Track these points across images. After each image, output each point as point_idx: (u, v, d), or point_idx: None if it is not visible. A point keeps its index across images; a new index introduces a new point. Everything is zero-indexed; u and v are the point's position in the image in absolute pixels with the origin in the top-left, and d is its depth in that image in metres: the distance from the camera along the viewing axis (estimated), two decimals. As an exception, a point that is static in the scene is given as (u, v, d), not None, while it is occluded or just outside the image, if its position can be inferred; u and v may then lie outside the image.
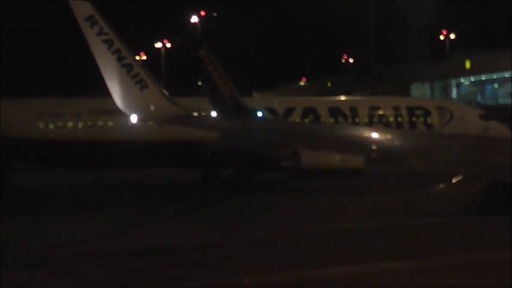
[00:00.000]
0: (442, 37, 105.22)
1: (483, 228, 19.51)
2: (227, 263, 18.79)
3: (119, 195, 32.03)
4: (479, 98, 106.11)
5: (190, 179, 34.80)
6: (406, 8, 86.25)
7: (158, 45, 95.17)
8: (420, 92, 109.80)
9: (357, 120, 35.38)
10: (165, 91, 28.79)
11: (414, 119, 36.06)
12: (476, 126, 35.07)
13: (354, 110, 35.85)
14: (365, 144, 14.55)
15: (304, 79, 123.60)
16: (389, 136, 16.02)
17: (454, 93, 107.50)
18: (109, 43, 27.93)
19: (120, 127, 33.30)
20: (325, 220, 25.16)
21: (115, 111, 32.12)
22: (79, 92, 45.87)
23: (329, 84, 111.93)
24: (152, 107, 27.68)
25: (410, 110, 36.49)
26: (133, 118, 27.59)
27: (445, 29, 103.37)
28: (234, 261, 18.97)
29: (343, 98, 44.36)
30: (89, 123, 33.53)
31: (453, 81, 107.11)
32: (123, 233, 23.89)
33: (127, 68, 27.96)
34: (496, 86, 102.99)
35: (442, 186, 11.71)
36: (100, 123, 33.56)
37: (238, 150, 31.04)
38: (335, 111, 35.66)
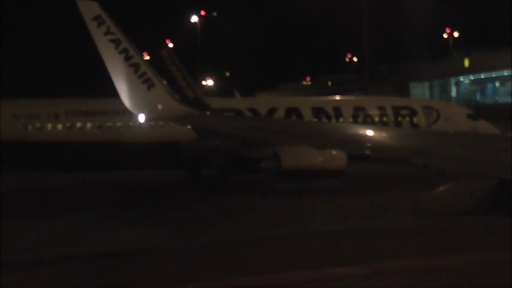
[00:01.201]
0: (445, 35, 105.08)
1: (489, 228, 19.61)
2: (171, 268, 18.46)
3: (98, 197, 31.72)
4: (478, 97, 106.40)
5: (179, 180, 34.62)
6: (409, 6, 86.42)
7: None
8: (419, 90, 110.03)
9: (341, 120, 35.09)
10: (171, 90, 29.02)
11: (400, 118, 35.77)
12: (464, 126, 34.75)
13: (338, 110, 35.51)
14: (363, 142, 14.66)
15: (308, 78, 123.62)
16: (392, 134, 16.21)
17: (453, 91, 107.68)
18: (116, 43, 28.01)
19: (99, 128, 33.09)
20: (293, 222, 24.73)
21: (94, 113, 33.10)
22: (76, 93, 45.78)
23: (329, 84, 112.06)
24: (159, 106, 27.84)
25: (396, 110, 36.23)
26: (141, 117, 27.65)
27: (449, 27, 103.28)
28: (180, 266, 18.68)
29: (328, 97, 44.22)
30: (67, 124, 33.10)
31: (452, 80, 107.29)
32: (84, 237, 23.34)
33: (134, 68, 28.04)
34: (497, 84, 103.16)
35: (450, 185, 11.74)
36: (78, 124, 33.15)
37: (218, 151, 30.92)
38: (318, 111, 35.29)
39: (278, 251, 20.01)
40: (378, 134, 15.67)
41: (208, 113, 29.84)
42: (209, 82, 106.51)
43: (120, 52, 28.04)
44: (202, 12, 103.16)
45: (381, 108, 36.24)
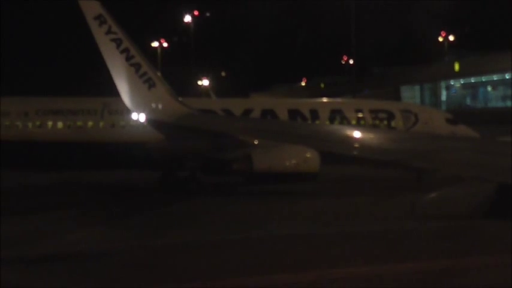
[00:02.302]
0: (440, 39, 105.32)
1: (489, 231, 19.76)
2: (108, 272, 18.26)
3: (72, 196, 31.54)
4: (468, 101, 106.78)
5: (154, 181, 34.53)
6: (405, 9, 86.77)
7: (155, 44, 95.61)
8: (410, 93, 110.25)
9: (317, 122, 34.69)
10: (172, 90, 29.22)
11: (377, 122, 35.49)
12: (442, 130, 34.41)
13: (314, 113, 35.14)
14: (361, 144, 14.85)
15: (304, 80, 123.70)
16: (391, 137, 16.46)
17: (443, 95, 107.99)
18: (117, 42, 28.26)
19: (69, 128, 32.87)
20: (254, 226, 24.47)
21: (64, 112, 32.79)
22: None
23: (322, 86, 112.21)
24: (160, 106, 28.10)
25: (374, 113, 35.96)
26: (141, 117, 27.84)
27: (444, 31, 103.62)
28: (119, 270, 18.49)
29: (306, 100, 44.13)
30: (37, 123, 32.91)
31: (443, 84, 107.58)
32: (41, 238, 22.85)
33: (135, 67, 28.31)
34: (489, 88, 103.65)
35: (450, 188, 11.90)
36: (49, 123, 32.95)
37: (189, 152, 30.90)
38: (294, 113, 34.92)
39: (219, 257, 19.84)
40: (378, 136, 15.94)
41: (202, 113, 29.90)
42: (205, 82, 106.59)
43: (121, 52, 28.30)
44: (196, 12, 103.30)
45: (358, 111, 36.00)
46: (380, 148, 14.37)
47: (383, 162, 26.94)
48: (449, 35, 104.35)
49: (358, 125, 34.70)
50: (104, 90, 33.18)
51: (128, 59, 28.33)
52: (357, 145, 15.56)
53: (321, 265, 18.61)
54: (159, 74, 30.95)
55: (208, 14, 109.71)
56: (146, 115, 27.77)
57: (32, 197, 31.91)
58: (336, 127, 26.68)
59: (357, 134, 16.66)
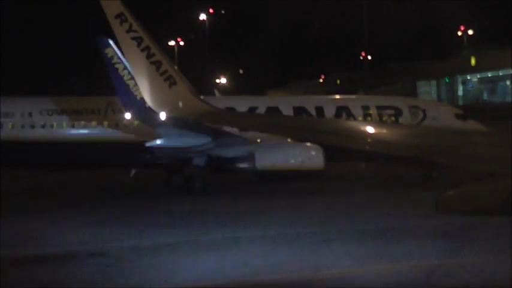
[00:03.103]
0: (459, 33, 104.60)
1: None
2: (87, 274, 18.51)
3: (76, 196, 32.04)
4: (485, 96, 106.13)
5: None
6: (424, 3, 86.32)
7: (171, 43, 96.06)
8: (426, 89, 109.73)
9: None
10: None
11: (384, 118, 35.49)
12: (451, 125, 34.25)
13: (320, 110, 35.25)
14: (383, 141, 14.87)
15: (323, 76, 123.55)
16: (413, 132, 16.51)
17: (460, 90, 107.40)
18: (138, 40, 28.43)
19: (73, 127, 33.35)
20: (244, 225, 24.71)
21: (68, 111, 33.27)
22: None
23: (338, 82, 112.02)
24: (181, 104, 28.28)
25: (380, 110, 36.02)
26: (162, 115, 28.04)
27: (463, 25, 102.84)
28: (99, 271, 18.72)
29: (312, 97, 44.05)
30: (41, 123, 33.27)
31: (459, 78, 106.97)
32: (31, 239, 23.20)
33: (156, 65, 28.51)
34: (507, 83, 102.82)
35: (474, 184, 11.88)
36: (52, 123, 33.34)
37: (193, 151, 30.97)
38: (300, 110, 35.04)
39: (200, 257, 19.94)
40: (399, 132, 15.98)
41: (223, 111, 30.03)
42: (222, 80, 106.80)
43: (142, 50, 28.47)
44: (211, 10, 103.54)
45: (365, 107, 36.05)
46: (401, 144, 14.38)
47: (403, 159, 27.21)
48: (468, 29, 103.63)
49: (355, 121, 34.20)
50: (107, 89, 33.22)
51: (148, 57, 28.48)
52: (378, 141, 15.52)
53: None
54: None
55: (223, 12, 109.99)
56: (167, 113, 27.95)
57: (38, 196, 32.54)
58: (357, 123, 26.62)
59: (378, 130, 16.57)
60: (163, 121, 28.16)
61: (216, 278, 17.74)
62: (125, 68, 28.88)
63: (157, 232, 24.06)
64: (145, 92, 28.22)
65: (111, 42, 29.68)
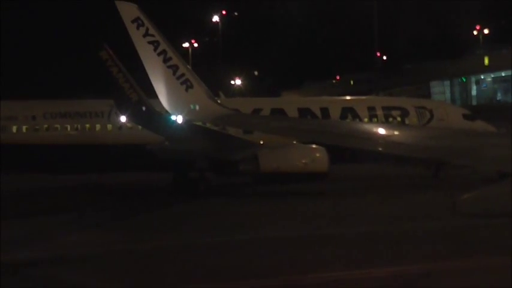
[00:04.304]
0: (475, 32, 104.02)
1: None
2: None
3: (80, 199, 31.71)
4: (499, 95, 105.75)
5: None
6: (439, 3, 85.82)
7: (185, 44, 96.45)
8: (440, 89, 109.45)
9: None
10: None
11: (390, 119, 35.11)
12: (458, 126, 33.81)
13: (325, 111, 34.85)
14: (400, 143, 14.96)
15: (338, 77, 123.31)
16: (429, 134, 16.60)
17: (473, 90, 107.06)
18: (155, 44, 28.81)
19: (77, 130, 33.20)
20: (246, 228, 24.38)
21: (71, 114, 33.12)
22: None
23: (351, 83, 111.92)
24: (197, 107, 28.56)
25: (387, 110, 35.64)
26: (179, 118, 28.23)
27: (479, 25, 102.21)
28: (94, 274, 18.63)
29: (317, 98, 43.39)
30: (45, 126, 33.18)
31: (473, 78, 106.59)
32: (27, 242, 22.99)
33: (172, 69, 28.82)
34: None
35: (491, 186, 11.89)
36: (56, 126, 33.24)
37: (195, 154, 30.84)
38: (305, 112, 34.66)
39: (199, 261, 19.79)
40: (415, 134, 16.11)
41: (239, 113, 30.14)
42: (237, 82, 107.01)
43: (159, 54, 28.83)
44: (224, 12, 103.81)
45: (371, 108, 35.75)
46: (417, 146, 14.45)
47: (415, 160, 27.18)
48: (484, 28, 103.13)
49: (369, 123, 33.92)
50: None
51: (165, 61, 28.82)
52: (393, 143, 15.63)
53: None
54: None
55: (236, 14, 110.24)
56: (184, 116, 28.16)
57: (40, 199, 32.12)
58: (373, 125, 26.63)
59: (394, 132, 16.68)
60: (171, 124, 28.21)
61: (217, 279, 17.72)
62: (120, 70, 28.60)
63: (168, 234, 24.02)
64: (161, 95, 28.54)
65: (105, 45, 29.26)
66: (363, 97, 46.52)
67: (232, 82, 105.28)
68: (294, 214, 26.76)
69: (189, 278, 17.96)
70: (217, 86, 47.89)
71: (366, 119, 34.70)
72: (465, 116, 35.91)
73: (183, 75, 28.88)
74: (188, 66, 30.86)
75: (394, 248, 20.69)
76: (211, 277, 17.85)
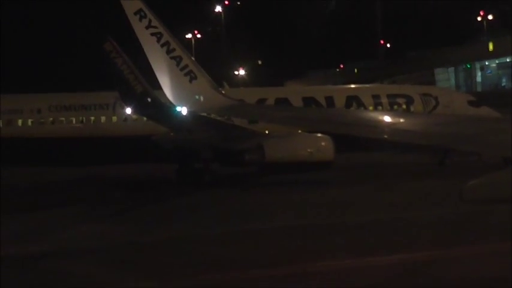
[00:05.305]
0: (479, 18, 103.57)
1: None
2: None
3: (83, 192, 31.85)
4: (504, 81, 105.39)
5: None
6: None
7: (188, 35, 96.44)
8: (444, 76, 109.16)
9: None
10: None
11: (396, 107, 35.09)
12: (463, 113, 33.70)
13: (329, 99, 34.81)
14: (408, 130, 14.92)
15: (342, 66, 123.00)
16: (436, 121, 16.54)
17: (478, 76, 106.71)
18: (158, 36, 28.75)
19: (82, 123, 33.31)
20: (250, 219, 24.29)
21: (76, 107, 33.34)
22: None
23: (355, 71, 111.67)
24: (201, 98, 28.53)
25: (392, 98, 35.63)
26: (184, 110, 28.22)
27: (483, 10, 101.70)
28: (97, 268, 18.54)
29: (321, 87, 43.24)
30: (50, 119, 33.28)
31: (477, 64, 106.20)
32: (41, 234, 23.07)
33: (176, 60, 28.76)
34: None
35: (498, 172, 11.85)
36: (61, 119, 33.34)
37: (199, 144, 30.90)
38: (309, 100, 34.62)
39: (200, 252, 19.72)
40: (421, 121, 16.05)
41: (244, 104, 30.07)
42: (241, 72, 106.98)
43: (162, 45, 28.77)
44: (226, 1, 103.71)
45: (375, 96, 35.73)
46: (423, 133, 14.42)
47: (424, 147, 27.09)
48: (488, 14, 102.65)
49: (375, 111, 33.76)
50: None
51: (168, 52, 28.77)
52: (400, 131, 15.58)
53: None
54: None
55: (238, 3, 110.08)
56: (188, 108, 28.15)
57: (46, 192, 32.32)
58: (378, 113, 26.54)
59: (400, 119, 16.63)
60: (176, 115, 28.20)
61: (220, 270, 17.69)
62: (124, 62, 28.57)
63: (163, 226, 23.90)
64: (165, 87, 28.49)
65: (109, 36, 29.24)
66: (368, 85, 46.46)
67: (236, 72, 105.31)
68: (300, 203, 26.69)
69: (197, 268, 17.94)
70: (221, 76, 47.91)
71: (370, 107, 34.63)
72: (470, 103, 35.82)
73: (186, 66, 28.82)
74: (192, 57, 30.76)
75: (401, 235, 20.65)
76: (220, 267, 17.84)
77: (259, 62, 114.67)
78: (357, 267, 17.57)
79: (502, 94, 77.12)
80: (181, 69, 28.77)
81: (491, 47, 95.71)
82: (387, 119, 17.86)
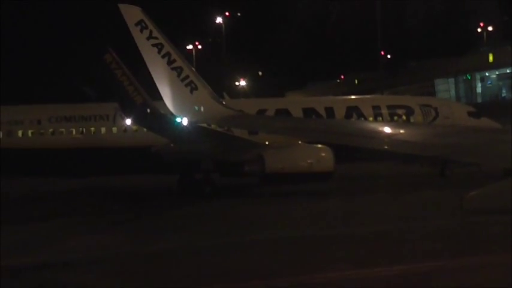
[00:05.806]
0: (479, 29, 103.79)
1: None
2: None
3: (80, 203, 31.78)
4: (504, 92, 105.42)
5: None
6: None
7: (189, 46, 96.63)
8: (444, 87, 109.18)
9: None
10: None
11: (396, 118, 35.08)
12: (463, 124, 33.80)
13: (329, 110, 34.80)
14: (409, 142, 14.91)
15: (342, 76, 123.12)
16: (431, 132, 16.56)
17: (478, 87, 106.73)
18: (159, 47, 28.85)
19: (82, 134, 33.28)
20: (250, 230, 24.19)
21: (76, 118, 33.32)
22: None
23: (356, 82, 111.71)
24: (202, 109, 28.58)
25: (392, 109, 35.64)
26: (185, 120, 28.27)
27: (483, 22, 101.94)
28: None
29: (321, 98, 43.31)
30: (50, 130, 33.31)
31: (477, 75, 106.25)
32: (34, 246, 22.98)
33: (177, 71, 28.85)
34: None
35: (499, 183, 11.85)
36: (61, 129, 33.34)
37: (199, 155, 30.89)
38: (309, 111, 34.62)
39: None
40: (421, 132, 16.06)
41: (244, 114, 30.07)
42: (242, 83, 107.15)
43: (163, 56, 28.87)
44: (227, 13, 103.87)
45: (376, 107, 35.72)
46: (423, 144, 14.42)
47: (424, 158, 27.05)
48: (488, 25, 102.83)
49: (376, 122, 33.86)
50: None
51: (169, 63, 28.86)
52: (400, 141, 15.58)
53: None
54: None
55: (239, 14, 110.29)
56: (189, 118, 28.19)
57: (46, 203, 32.20)
58: (378, 123, 26.56)
59: (400, 130, 16.63)
60: (177, 126, 28.21)
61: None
62: (124, 73, 28.62)
63: (161, 238, 23.85)
64: (166, 97, 28.55)
65: (109, 48, 29.27)
66: (368, 96, 46.56)
67: (237, 83, 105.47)
68: (301, 214, 26.67)
69: (198, 279, 17.93)
70: (221, 87, 47.96)
71: (371, 118, 34.64)
72: (470, 114, 35.89)
73: (187, 77, 28.90)
74: (192, 68, 30.84)
75: (402, 246, 20.60)
76: (220, 278, 17.81)
77: (260, 73, 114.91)
78: (357, 278, 17.53)
79: (502, 105, 77.16)
80: (182, 80, 28.84)
81: (491, 58, 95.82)
82: (387, 129, 17.84)
